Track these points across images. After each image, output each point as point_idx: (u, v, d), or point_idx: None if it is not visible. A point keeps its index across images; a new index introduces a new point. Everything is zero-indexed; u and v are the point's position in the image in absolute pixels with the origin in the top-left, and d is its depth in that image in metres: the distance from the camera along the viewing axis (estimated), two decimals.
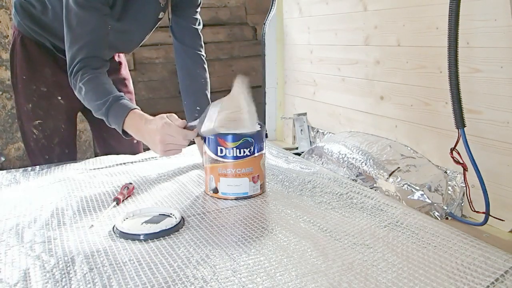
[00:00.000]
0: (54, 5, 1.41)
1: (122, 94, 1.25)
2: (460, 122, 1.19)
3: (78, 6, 1.22)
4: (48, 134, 1.57)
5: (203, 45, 1.56)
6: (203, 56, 1.55)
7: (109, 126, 1.25)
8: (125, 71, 1.75)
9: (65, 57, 1.29)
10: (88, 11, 1.23)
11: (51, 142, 1.58)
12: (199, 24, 1.54)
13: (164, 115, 1.16)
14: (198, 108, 1.50)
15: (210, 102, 1.52)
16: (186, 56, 1.52)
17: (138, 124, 1.19)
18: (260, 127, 1.29)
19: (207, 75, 1.55)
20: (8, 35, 2.05)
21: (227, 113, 1.11)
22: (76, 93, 1.29)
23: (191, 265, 0.89)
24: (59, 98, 1.56)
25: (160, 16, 1.46)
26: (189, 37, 1.52)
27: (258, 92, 2.40)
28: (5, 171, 1.54)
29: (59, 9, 1.31)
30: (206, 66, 1.55)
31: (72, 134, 1.67)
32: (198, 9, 1.52)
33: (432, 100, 1.42)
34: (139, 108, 1.24)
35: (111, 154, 1.67)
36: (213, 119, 1.11)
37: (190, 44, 1.52)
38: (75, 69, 1.25)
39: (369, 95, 1.69)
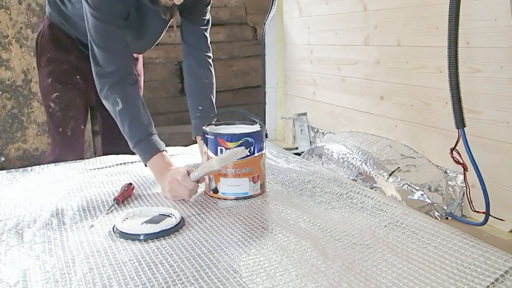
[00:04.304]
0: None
1: (154, 130, 1.31)
2: (460, 122, 1.19)
3: (96, 19, 1.25)
4: (63, 107, 1.60)
5: (209, 46, 1.56)
6: (209, 57, 1.55)
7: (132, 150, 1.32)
8: (139, 67, 1.77)
9: (87, 51, 1.32)
10: (106, 23, 1.26)
11: (67, 115, 1.61)
12: (207, 24, 1.53)
13: (180, 172, 1.21)
14: (200, 107, 1.50)
15: (214, 103, 1.53)
16: (191, 56, 1.52)
17: (161, 169, 1.27)
18: (260, 127, 1.29)
19: (212, 76, 1.54)
20: (8, 35, 2.05)
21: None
22: (104, 100, 1.31)
23: (191, 265, 0.89)
24: (78, 77, 1.61)
25: (169, 22, 1.48)
26: (194, 38, 1.52)
27: (258, 92, 2.40)
28: (5, 171, 1.54)
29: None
30: (211, 67, 1.55)
31: (85, 112, 1.70)
32: (208, 8, 1.51)
33: (432, 100, 1.42)
34: (165, 147, 1.31)
35: (116, 152, 1.68)
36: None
37: (195, 45, 1.52)
38: (108, 82, 1.28)
39: (369, 95, 1.69)
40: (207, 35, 1.54)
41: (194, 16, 1.49)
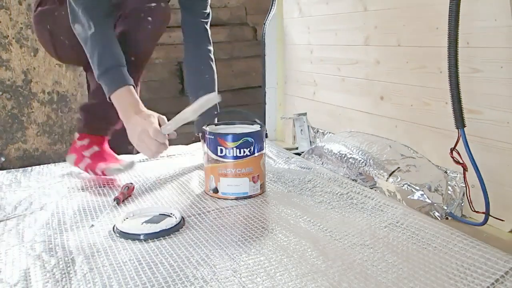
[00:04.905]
0: None
1: (124, 63, 1.23)
2: (460, 122, 1.19)
3: None
4: None
5: (210, 40, 1.51)
6: (210, 51, 1.51)
7: (97, 81, 1.23)
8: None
9: None
10: None
11: None
12: (207, 17, 1.49)
13: (152, 126, 1.14)
14: None
15: (218, 105, 1.50)
16: (191, 52, 1.49)
17: (128, 107, 1.19)
18: (260, 127, 1.30)
19: (213, 71, 1.51)
20: (8, 35, 2.05)
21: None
22: (77, 25, 1.22)
23: (191, 265, 0.89)
24: None
25: None
26: (195, 32, 1.48)
27: (258, 92, 2.40)
28: (5, 171, 1.54)
29: None
30: (212, 62, 1.51)
31: None
32: (208, 1, 1.48)
33: (432, 100, 1.42)
34: (133, 82, 1.22)
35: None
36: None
37: (196, 39, 1.48)
38: (82, 4, 1.20)
39: (369, 95, 1.69)
40: (208, 28, 1.50)
41: (194, 7, 1.45)
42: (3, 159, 2.08)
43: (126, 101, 1.19)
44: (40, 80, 2.11)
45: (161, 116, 1.20)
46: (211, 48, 1.52)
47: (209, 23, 1.51)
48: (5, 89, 2.06)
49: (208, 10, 1.50)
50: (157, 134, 1.13)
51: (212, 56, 1.52)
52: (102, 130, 1.45)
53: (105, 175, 1.38)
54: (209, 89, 1.50)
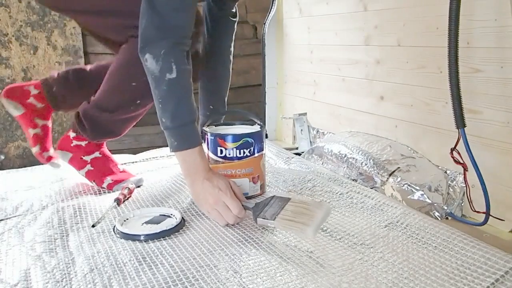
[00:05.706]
0: None
1: (196, 115, 1.10)
2: (460, 122, 1.19)
3: None
4: None
5: (233, 39, 1.47)
6: (231, 53, 1.47)
7: (163, 130, 1.09)
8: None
9: None
10: None
11: None
12: (235, 16, 1.43)
13: (234, 201, 1.04)
14: (211, 107, 1.47)
15: (226, 105, 1.49)
16: (213, 54, 1.43)
17: (198, 169, 1.07)
18: (260, 128, 1.29)
19: (229, 74, 1.48)
20: (7, 33, 2.05)
21: (291, 213, 1.00)
22: (152, 60, 1.03)
23: (191, 265, 0.89)
24: None
25: None
26: (223, 31, 1.42)
27: (258, 91, 2.40)
28: (5, 170, 1.54)
29: None
30: (230, 64, 1.48)
31: None
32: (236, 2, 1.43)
33: (432, 100, 1.42)
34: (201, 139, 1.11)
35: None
36: (274, 213, 1.00)
37: (222, 39, 1.43)
38: (170, 40, 1.03)
39: (369, 95, 1.69)
40: (235, 28, 1.47)
41: (226, 5, 1.39)
42: (2, 157, 2.09)
43: (196, 162, 1.07)
44: (40, 78, 2.11)
45: (230, 179, 1.10)
46: (232, 49, 1.48)
47: (236, 24, 1.46)
48: (4, 86, 2.06)
49: (235, 10, 1.44)
50: (241, 212, 1.04)
51: (232, 58, 1.48)
52: (105, 140, 1.37)
53: (110, 189, 1.34)
54: (222, 93, 1.48)
